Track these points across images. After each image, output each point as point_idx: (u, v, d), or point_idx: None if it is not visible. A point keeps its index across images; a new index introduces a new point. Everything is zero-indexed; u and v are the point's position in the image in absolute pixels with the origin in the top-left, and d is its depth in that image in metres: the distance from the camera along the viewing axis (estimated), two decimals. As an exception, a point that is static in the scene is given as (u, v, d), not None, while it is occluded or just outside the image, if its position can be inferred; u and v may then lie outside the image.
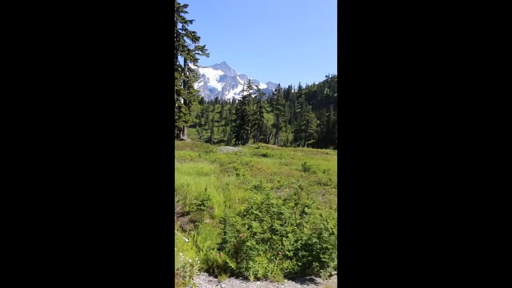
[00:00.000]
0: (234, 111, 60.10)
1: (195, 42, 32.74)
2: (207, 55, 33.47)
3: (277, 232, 4.01)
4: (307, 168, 13.85)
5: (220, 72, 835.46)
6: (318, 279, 3.78)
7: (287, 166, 15.88)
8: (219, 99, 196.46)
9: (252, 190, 7.77)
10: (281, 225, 4.13)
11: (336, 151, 47.19)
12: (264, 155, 22.54)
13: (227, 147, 28.65)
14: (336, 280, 3.70)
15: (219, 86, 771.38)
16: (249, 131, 53.52)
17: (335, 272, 3.81)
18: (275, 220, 4.24)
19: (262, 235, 3.97)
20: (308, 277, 3.81)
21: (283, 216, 4.25)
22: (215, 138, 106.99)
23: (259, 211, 4.47)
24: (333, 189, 9.68)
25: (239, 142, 50.50)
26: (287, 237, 3.97)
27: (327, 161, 20.76)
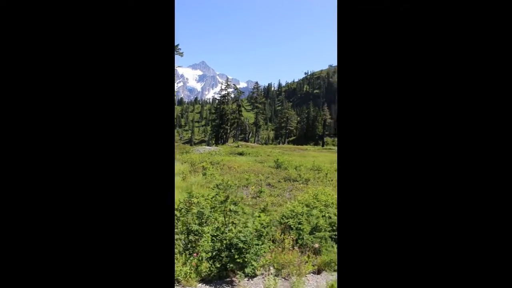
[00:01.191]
0: (213, 111, 59.47)
1: (167, 41, 32.10)
2: (181, 54, 32.95)
3: (195, 233, 3.79)
4: (279, 164, 13.77)
5: (199, 72, 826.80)
6: (237, 281, 3.58)
7: (261, 163, 15.77)
8: (198, 99, 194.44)
9: (213, 189, 7.57)
10: (199, 224, 3.90)
11: (315, 147, 47.77)
12: (240, 154, 22.39)
13: (204, 147, 28.28)
14: (258, 281, 3.55)
15: (198, 86, 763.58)
16: (228, 130, 53.15)
17: (261, 272, 3.64)
18: (195, 219, 4.00)
19: (177, 236, 3.73)
20: (228, 279, 3.63)
21: (204, 215, 4.03)
22: (196, 139, 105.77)
23: (179, 211, 4.24)
24: (301, 185, 9.60)
25: (219, 142, 50.04)
26: (203, 237, 3.74)
27: (303, 157, 20.83)
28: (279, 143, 66.78)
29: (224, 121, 52.44)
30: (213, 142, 54.47)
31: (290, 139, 78.48)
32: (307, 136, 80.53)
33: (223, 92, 53.39)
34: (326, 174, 11.72)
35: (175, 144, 37.03)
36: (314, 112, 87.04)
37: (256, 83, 67.24)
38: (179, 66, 38.27)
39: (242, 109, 56.89)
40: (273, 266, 3.69)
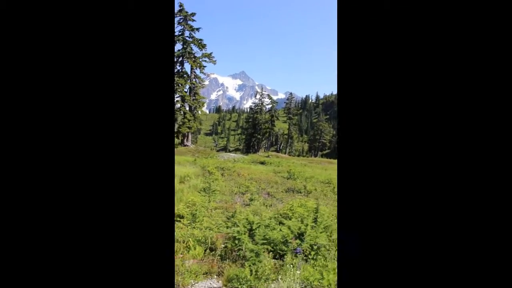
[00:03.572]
0: (248, 120, 59.94)
1: (201, 50, 33.08)
2: (214, 62, 33.77)
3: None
4: (291, 175, 13.36)
5: (239, 82, 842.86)
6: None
7: (276, 173, 15.41)
8: (236, 108, 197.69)
9: (200, 193, 7.43)
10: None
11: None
12: (262, 163, 22.17)
13: (228, 154, 28.44)
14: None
15: (237, 95, 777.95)
16: (260, 140, 53.23)
17: None
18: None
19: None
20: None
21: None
22: (231, 147, 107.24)
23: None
24: (301, 196, 9.14)
25: (251, 151, 50.17)
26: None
27: (324, 169, 20.11)
28: (311, 156, 65.55)
29: (256, 131, 52.68)
30: (244, 150, 54.75)
31: (324, 152, 76.92)
32: (341, 150, 78.23)
33: (257, 102, 53.80)
34: (334, 187, 11.11)
35: (200, 148, 37.65)
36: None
37: (291, 94, 66.94)
38: (211, 74, 39.13)
39: (276, 119, 56.77)
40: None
